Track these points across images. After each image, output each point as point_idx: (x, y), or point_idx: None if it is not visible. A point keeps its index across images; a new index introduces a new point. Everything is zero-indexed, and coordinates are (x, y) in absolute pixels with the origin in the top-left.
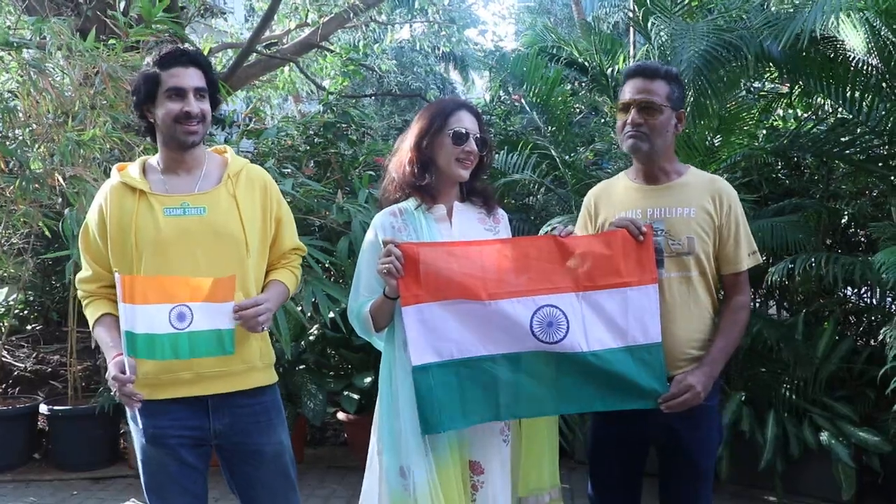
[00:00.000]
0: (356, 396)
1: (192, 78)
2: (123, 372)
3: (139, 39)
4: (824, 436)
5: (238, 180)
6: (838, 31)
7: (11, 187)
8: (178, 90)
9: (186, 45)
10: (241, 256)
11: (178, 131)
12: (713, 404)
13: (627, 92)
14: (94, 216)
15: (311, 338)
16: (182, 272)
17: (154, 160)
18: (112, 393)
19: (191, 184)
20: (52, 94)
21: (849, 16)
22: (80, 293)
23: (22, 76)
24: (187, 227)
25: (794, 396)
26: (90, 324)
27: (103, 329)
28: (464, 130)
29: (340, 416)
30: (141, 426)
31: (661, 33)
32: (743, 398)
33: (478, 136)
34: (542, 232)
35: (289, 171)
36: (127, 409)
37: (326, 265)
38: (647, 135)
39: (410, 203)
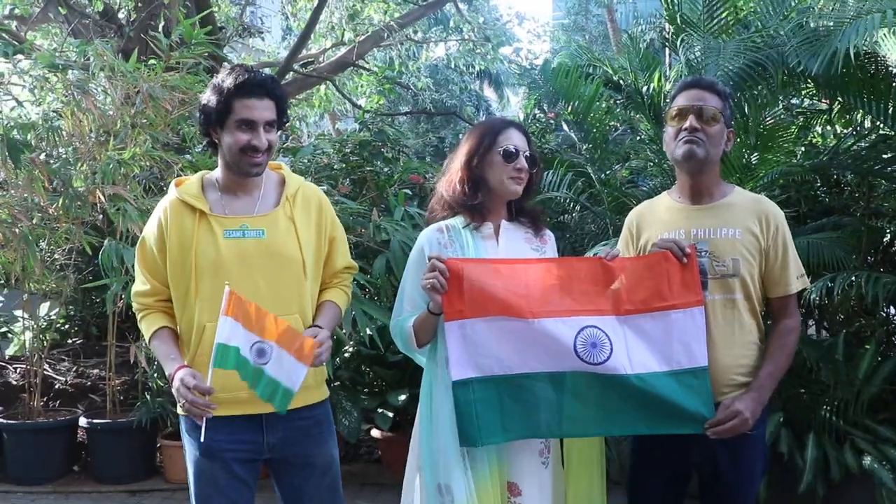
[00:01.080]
0: (390, 414)
1: (264, 111)
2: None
3: (179, 61)
4: (867, 459)
5: (295, 201)
6: (879, 47)
7: (55, 205)
8: (249, 123)
9: (251, 66)
10: (299, 279)
11: (244, 162)
12: (758, 433)
13: (683, 99)
14: (152, 231)
15: (347, 355)
16: (241, 294)
17: (213, 176)
18: (180, 404)
19: (250, 205)
20: (94, 113)
21: (891, 30)
22: (135, 305)
23: (66, 96)
24: (246, 250)
25: (834, 418)
26: (146, 336)
27: (161, 342)
28: (514, 148)
29: (374, 433)
30: (196, 438)
31: (696, 50)
32: (781, 419)
33: (527, 153)
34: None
35: (324, 188)
36: (182, 421)
37: (361, 283)
38: (703, 141)
39: (458, 220)
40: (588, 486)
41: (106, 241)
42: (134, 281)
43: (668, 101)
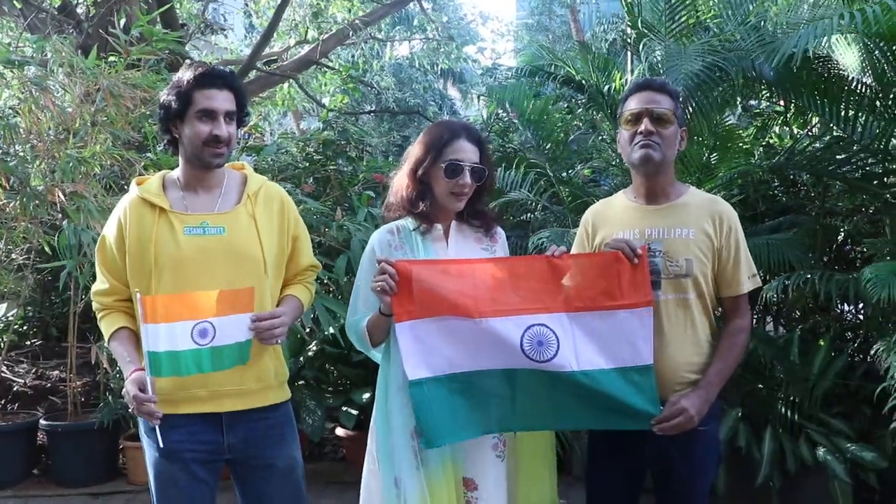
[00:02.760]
0: (355, 412)
1: (224, 101)
2: (142, 390)
3: (140, 57)
4: (820, 452)
5: (257, 199)
6: (832, 50)
7: (12, 204)
8: (209, 112)
9: (204, 60)
10: (260, 276)
11: (206, 153)
12: (709, 429)
13: (637, 103)
14: (112, 230)
15: (311, 354)
16: (201, 290)
17: (174, 175)
18: (130, 409)
19: (210, 202)
20: (53, 111)
21: (843, 34)
22: (95, 305)
23: (23, 93)
24: (207, 247)
25: (790, 413)
26: (105, 337)
27: (119, 343)
28: (459, 163)
29: (339, 431)
30: (155, 441)
31: (656, 54)
32: (739, 414)
33: (476, 165)
34: (531, 243)
35: (288, 187)
36: (140, 423)
37: (325, 281)
38: (659, 144)
39: (409, 222)
40: (539, 477)
41: (65, 223)
42: (90, 265)
43: (620, 102)
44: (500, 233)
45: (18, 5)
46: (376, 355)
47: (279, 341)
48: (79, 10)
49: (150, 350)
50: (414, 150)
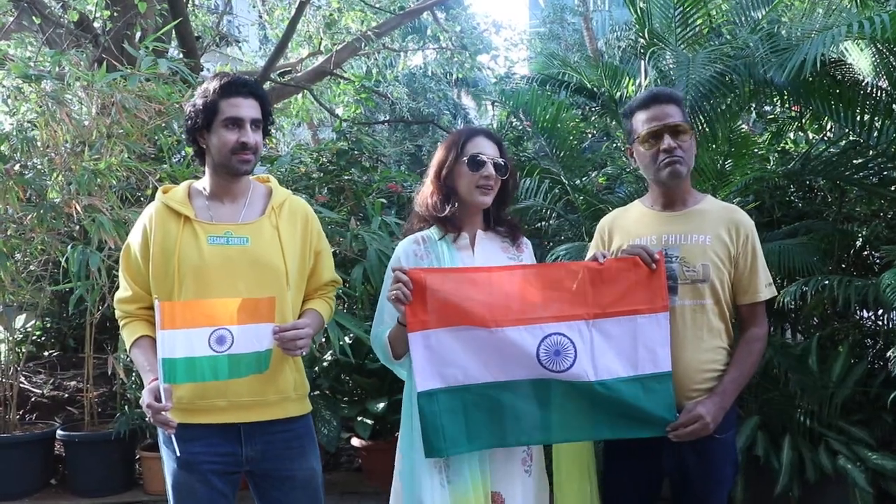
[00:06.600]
0: (370, 422)
1: (249, 109)
2: (158, 399)
3: (155, 72)
4: (840, 460)
5: (281, 212)
6: (846, 55)
7: (30, 216)
8: (235, 120)
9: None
10: (282, 287)
11: (234, 161)
12: (726, 437)
13: (652, 119)
14: (137, 237)
15: (325, 364)
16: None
17: (200, 185)
18: (147, 418)
19: (235, 213)
20: (69, 124)
21: (855, 40)
22: (117, 313)
23: (41, 107)
24: (230, 257)
25: (809, 421)
26: (127, 345)
27: (140, 352)
28: (481, 156)
29: (354, 441)
30: (173, 451)
31: (668, 61)
32: (757, 422)
33: (497, 160)
34: (548, 259)
35: (302, 198)
36: (159, 433)
37: (339, 294)
38: (683, 158)
39: (434, 232)
40: (579, 496)
41: (69, 248)
42: (99, 285)
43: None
44: (527, 243)
45: (37, 21)
46: (401, 370)
47: (303, 352)
48: (95, 25)
49: (167, 357)
50: (435, 158)
